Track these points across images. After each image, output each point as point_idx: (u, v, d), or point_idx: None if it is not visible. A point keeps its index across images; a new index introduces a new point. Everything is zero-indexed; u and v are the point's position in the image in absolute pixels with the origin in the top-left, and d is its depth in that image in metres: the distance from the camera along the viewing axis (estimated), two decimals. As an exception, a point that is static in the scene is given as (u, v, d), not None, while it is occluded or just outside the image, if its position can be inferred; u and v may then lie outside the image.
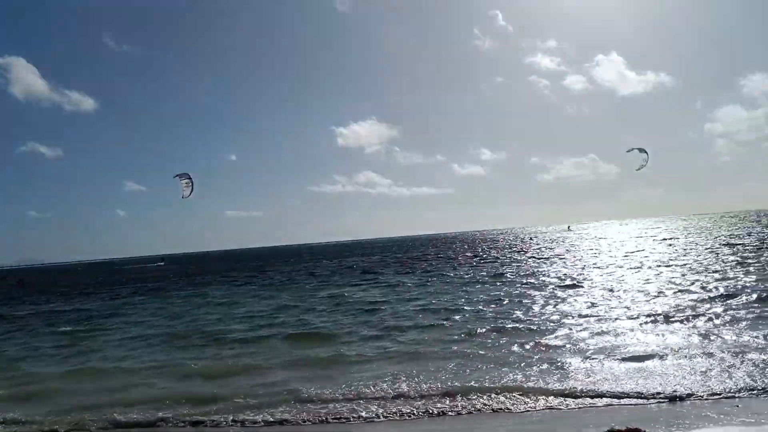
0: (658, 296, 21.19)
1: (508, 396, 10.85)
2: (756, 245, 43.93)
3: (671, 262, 34.81)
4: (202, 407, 11.30)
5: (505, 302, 22.54)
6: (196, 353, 16.89)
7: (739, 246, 44.80)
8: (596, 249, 58.12)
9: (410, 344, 16.00)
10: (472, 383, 11.69)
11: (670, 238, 68.13)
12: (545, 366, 12.59)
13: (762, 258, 33.24)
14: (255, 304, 28.61)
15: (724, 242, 51.11)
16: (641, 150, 32.33)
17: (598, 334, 15.36)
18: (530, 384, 11.41)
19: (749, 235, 60.19)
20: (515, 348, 14.46)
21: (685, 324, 15.92)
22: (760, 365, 11.51)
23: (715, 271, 27.94)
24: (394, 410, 10.55)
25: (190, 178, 30.66)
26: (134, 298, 38.38)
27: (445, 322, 18.78)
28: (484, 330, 16.92)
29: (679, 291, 21.96)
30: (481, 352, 14.29)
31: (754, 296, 19.29)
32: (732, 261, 32.89)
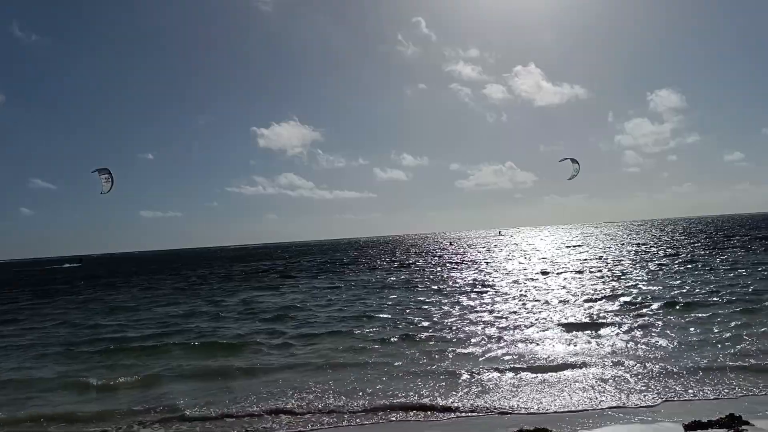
0: (566, 304, 21.59)
1: (418, 404, 10.63)
2: (660, 254, 45.94)
3: (582, 269, 35.84)
4: (86, 426, 10.50)
5: (418, 309, 22.45)
6: (92, 364, 15.86)
7: (645, 254, 46.75)
8: (510, 255, 59.36)
9: (321, 353, 15.57)
10: (383, 393, 11.44)
11: (579, 245, 70.58)
12: (455, 376, 12.46)
13: (664, 265, 34.69)
14: (163, 310, 27.41)
15: (632, 250, 53.26)
16: (573, 160, 33.12)
17: (507, 343, 15.38)
18: (441, 393, 11.26)
19: (656, 244, 62.89)
20: (425, 357, 14.29)
21: (593, 332, 16.22)
22: (660, 371, 11.90)
23: (622, 279, 28.89)
24: (301, 424, 10.14)
25: (110, 173, 29.06)
26: (33, 302, 36.16)
27: (358, 330, 18.44)
28: (396, 338, 16.68)
29: (588, 300, 22.44)
30: (392, 361, 14.02)
31: (657, 304, 19.95)
32: (638, 268, 34.18)
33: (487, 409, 10.41)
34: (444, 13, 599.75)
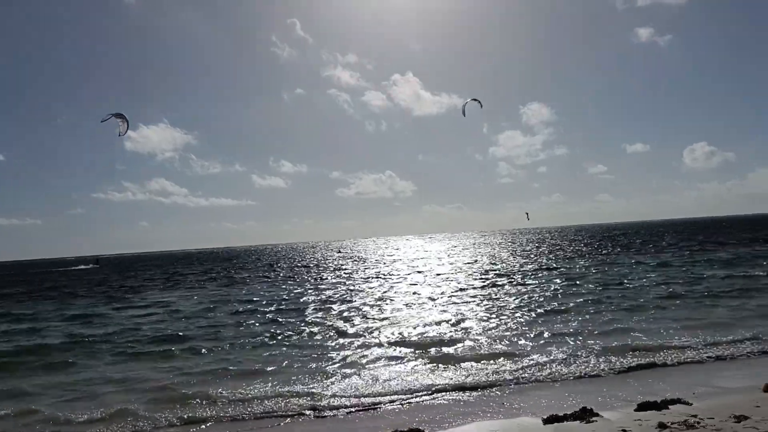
0: (419, 327, 18.83)
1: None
2: (530, 267, 45.90)
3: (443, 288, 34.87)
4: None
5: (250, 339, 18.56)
6: None
7: (503, 265, 46.68)
8: (377, 267, 55.93)
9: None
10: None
11: (422, 258, 67.27)
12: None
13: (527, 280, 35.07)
14: None
15: (489, 269, 44.91)
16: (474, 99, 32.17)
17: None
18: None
19: (540, 253, 62.13)
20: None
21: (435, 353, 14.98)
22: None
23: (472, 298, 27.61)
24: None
25: (123, 116, 25.89)
26: None
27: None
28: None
29: (430, 325, 19.17)
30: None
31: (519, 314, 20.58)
32: (493, 279, 33.99)
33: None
34: (319, 16, 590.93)
